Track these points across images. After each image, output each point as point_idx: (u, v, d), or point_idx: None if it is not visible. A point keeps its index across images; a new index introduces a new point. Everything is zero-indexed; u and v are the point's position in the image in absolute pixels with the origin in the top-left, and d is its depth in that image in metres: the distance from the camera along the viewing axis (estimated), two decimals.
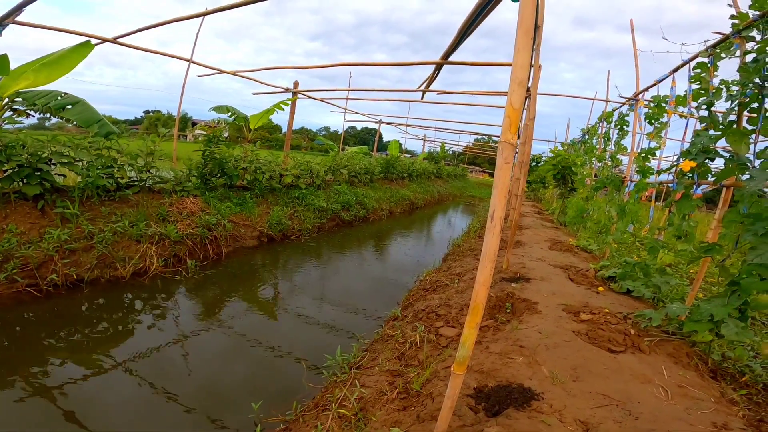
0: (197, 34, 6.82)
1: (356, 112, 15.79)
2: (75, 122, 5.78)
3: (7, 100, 5.08)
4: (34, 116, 5.85)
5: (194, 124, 47.74)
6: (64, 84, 5.86)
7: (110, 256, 4.36)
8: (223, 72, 8.72)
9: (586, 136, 9.49)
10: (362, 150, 16.47)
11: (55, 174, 4.66)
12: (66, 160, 4.61)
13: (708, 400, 2.04)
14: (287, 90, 9.13)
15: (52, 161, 4.56)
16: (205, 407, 2.60)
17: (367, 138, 55.94)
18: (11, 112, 5.33)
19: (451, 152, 32.93)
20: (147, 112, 56.77)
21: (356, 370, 2.80)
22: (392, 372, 2.64)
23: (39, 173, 4.34)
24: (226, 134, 11.67)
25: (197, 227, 5.28)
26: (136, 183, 5.49)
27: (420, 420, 1.99)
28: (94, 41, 5.60)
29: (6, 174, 4.28)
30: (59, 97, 5.79)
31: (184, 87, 7.20)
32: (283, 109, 8.80)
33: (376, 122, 18.34)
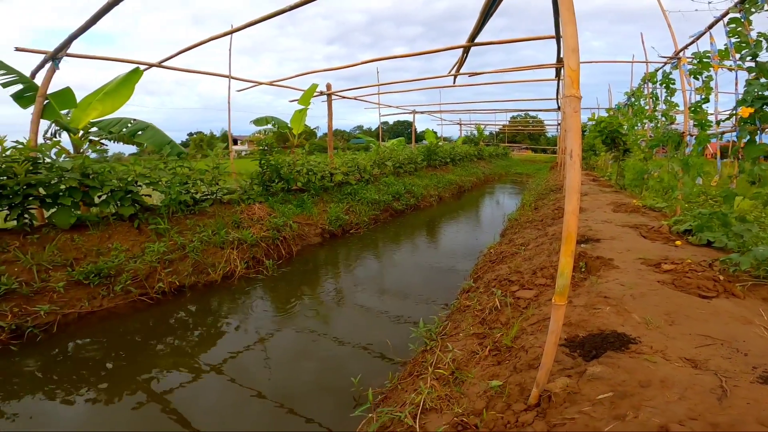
0: (230, 50, 7.27)
1: (390, 106, 15.91)
2: (147, 145, 6.26)
3: (81, 132, 5.48)
4: (106, 145, 6.24)
5: (236, 141, 49.99)
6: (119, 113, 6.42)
7: (202, 263, 4.79)
8: (261, 84, 9.14)
9: (632, 99, 9.13)
10: (401, 141, 16.58)
11: (142, 194, 5.16)
12: (149, 181, 5.11)
13: None
14: (321, 93, 9.44)
15: (138, 183, 5.07)
16: (309, 388, 2.86)
17: (400, 131, 55.87)
18: (89, 143, 5.66)
19: (488, 133, 32.18)
20: (191, 134, 59.95)
21: (442, 338, 2.95)
22: (478, 335, 2.76)
23: (130, 195, 4.86)
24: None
25: (268, 230, 5.66)
26: (209, 196, 5.98)
27: (517, 371, 2.08)
28: (142, 67, 6.00)
29: (102, 199, 4.83)
30: (129, 124, 6.12)
31: (229, 102, 7.75)
32: (310, 103, 8.91)
33: (410, 113, 18.38)
